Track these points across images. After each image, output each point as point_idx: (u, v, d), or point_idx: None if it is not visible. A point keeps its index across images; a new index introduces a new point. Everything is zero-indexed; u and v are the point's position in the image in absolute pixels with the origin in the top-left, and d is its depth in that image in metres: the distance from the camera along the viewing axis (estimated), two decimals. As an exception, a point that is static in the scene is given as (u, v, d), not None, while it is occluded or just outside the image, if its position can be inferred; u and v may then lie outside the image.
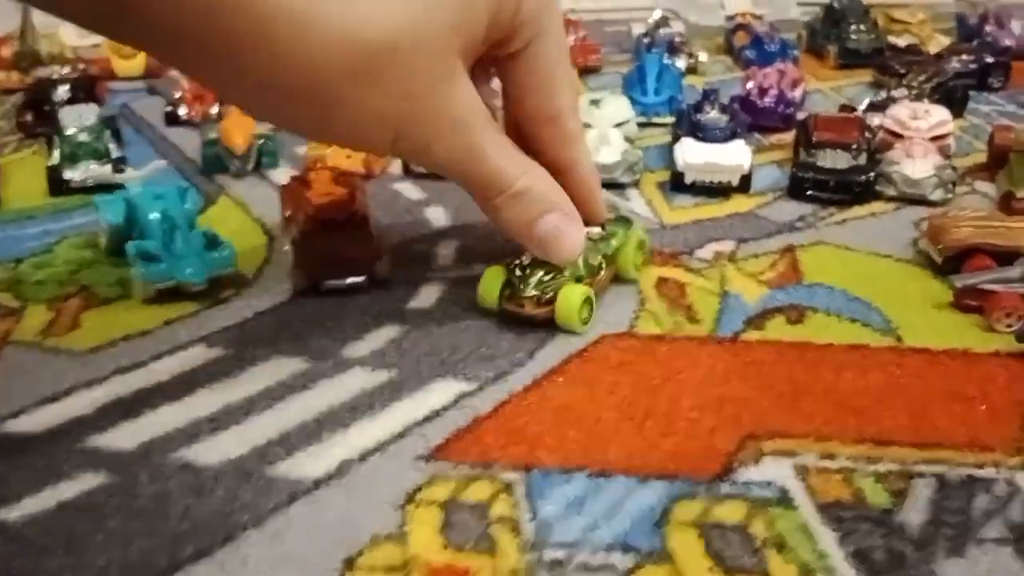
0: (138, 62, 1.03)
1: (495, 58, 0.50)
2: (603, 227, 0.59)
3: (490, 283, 0.56)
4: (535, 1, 0.47)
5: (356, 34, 0.42)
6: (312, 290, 0.59)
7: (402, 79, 0.44)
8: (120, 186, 0.70)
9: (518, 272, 0.55)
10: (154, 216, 0.60)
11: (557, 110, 0.52)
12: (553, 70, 0.51)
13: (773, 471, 0.44)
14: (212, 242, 0.60)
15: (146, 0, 0.39)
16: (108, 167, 0.74)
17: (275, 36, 0.41)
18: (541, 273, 0.55)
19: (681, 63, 1.03)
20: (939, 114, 0.75)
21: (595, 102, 0.80)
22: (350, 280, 0.58)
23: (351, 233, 0.59)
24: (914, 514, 0.41)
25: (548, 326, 0.55)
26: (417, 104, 0.45)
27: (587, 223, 0.55)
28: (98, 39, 1.10)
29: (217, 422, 0.47)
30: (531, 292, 0.54)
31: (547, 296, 0.54)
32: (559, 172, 0.53)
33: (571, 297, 0.54)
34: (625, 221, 0.61)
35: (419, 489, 0.43)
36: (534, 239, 0.52)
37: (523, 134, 0.53)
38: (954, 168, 0.73)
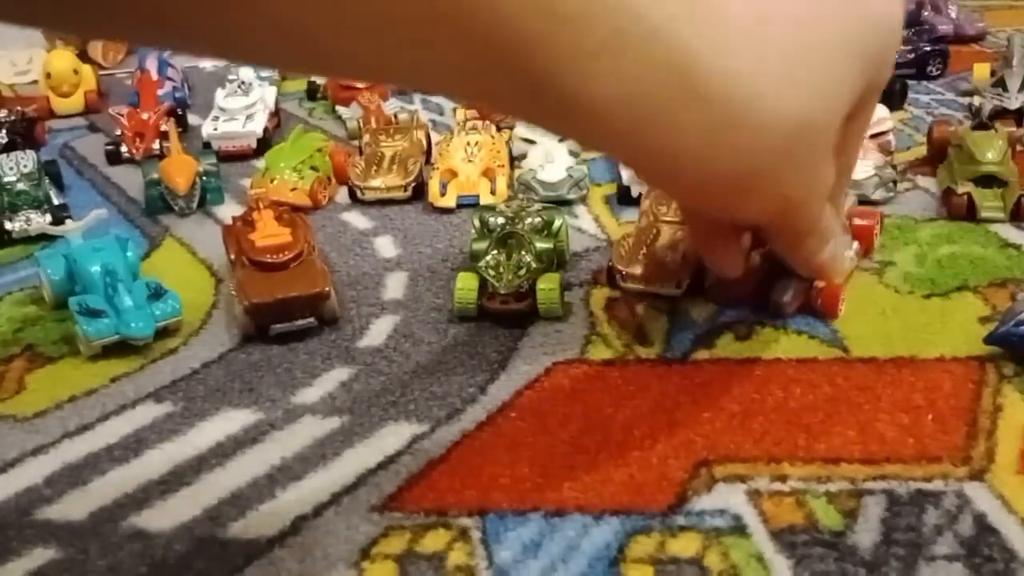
0: (76, 99, 1.01)
1: None
2: (542, 216, 0.63)
3: (467, 288, 0.58)
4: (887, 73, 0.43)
5: (782, 113, 0.36)
6: (261, 334, 0.58)
7: (795, 165, 0.40)
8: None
9: (491, 272, 0.58)
10: (95, 270, 0.59)
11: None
12: (854, 146, 0.47)
13: (726, 498, 0.44)
14: (156, 292, 0.59)
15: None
16: (48, 216, 0.73)
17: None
18: (512, 268, 0.58)
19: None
20: (877, 111, 0.76)
21: (538, 118, 0.80)
22: (299, 323, 0.58)
23: (297, 275, 0.59)
24: (865, 534, 0.41)
25: (524, 319, 0.58)
26: (800, 188, 0.42)
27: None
28: (34, 75, 1.08)
29: (167, 484, 0.47)
30: (512, 287, 0.58)
31: (523, 289, 0.58)
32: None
33: (550, 285, 0.58)
34: (554, 209, 0.65)
35: (374, 543, 0.42)
36: (816, 263, 0.50)
37: None
38: (894, 166, 0.73)
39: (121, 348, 0.57)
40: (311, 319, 0.58)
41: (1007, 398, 0.50)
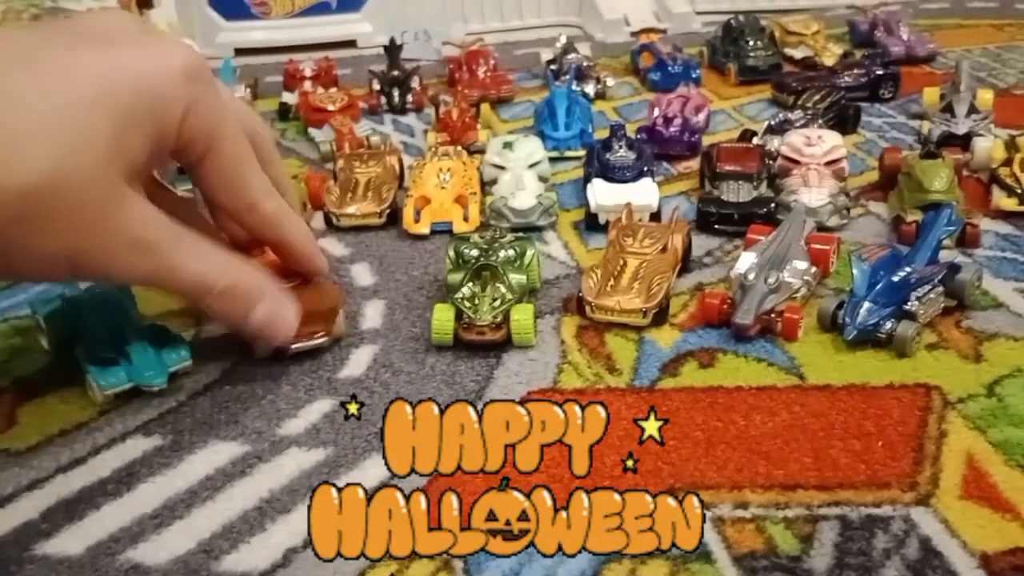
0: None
1: (187, 164, 0.54)
2: (515, 248, 0.65)
3: (444, 320, 0.61)
4: (199, 118, 0.51)
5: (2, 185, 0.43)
6: (279, 355, 0.61)
7: (66, 216, 0.46)
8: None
9: (467, 304, 0.61)
10: (100, 318, 0.60)
11: (251, 200, 0.56)
12: (235, 170, 0.55)
13: (692, 525, 0.47)
14: (163, 337, 0.60)
15: None
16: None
17: None
18: (488, 300, 0.61)
19: (590, 89, 1.06)
20: (832, 139, 0.80)
21: (508, 144, 0.83)
22: (316, 341, 0.61)
23: (313, 290, 0.62)
24: (820, 559, 0.45)
25: (498, 348, 0.61)
26: (88, 237, 0.47)
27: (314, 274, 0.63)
28: None
29: (161, 518, 0.49)
30: (488, 318, 0.60)
31: (498, 320, 0.60)
32: (277, 248, 0.61)
33: (524, 316, 0.61)
34: (526, 239, 0.67)
35: (362, 574, 0.45)
36: (252, 330, 0.56)
37: (235, 223, 0.58)
38: (847, 194, 0.77)
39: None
40: (324, 336, 0.61)
41: (951, 424, 0.53)
